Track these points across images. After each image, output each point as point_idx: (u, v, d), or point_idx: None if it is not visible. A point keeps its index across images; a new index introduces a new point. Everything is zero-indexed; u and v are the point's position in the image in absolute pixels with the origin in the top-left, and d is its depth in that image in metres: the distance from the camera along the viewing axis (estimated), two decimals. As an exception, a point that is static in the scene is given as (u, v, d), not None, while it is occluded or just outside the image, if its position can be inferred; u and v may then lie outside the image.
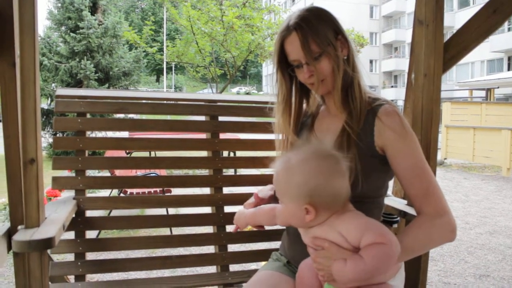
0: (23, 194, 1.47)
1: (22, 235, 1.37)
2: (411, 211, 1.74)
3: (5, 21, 1.41)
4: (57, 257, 3.12)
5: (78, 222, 1.87)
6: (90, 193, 2.02)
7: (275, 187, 1.28)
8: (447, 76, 36.27)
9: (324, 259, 1.20)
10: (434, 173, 1.71)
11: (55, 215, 1.59)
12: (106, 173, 5.85)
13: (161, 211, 4.41)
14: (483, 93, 17.19)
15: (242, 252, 2.10)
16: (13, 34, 1.42)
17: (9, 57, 1.43)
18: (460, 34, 1.80)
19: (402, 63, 40.92)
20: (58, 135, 10.00)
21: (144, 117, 2.97)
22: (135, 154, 5.96)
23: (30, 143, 1.46)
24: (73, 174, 1.91)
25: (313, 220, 1.20)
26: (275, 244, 1.90)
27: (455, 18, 32.97)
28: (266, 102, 1.82)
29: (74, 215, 1.83)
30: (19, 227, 1.46)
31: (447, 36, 1.70)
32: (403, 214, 1.80)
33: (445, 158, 11.09)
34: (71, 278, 1.94)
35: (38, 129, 1.48)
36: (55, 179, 1.88)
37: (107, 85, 11.57)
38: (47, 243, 1.34)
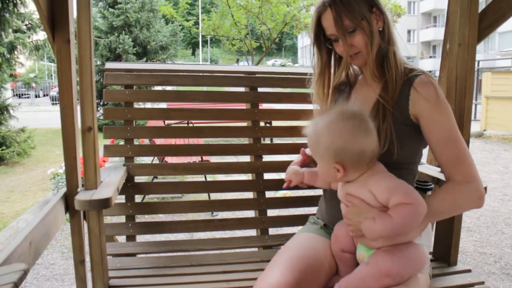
0: (84, 160, 1.61)
1: (83, 195, 1.51)
2: (444, 178, 1.80)
3: (62, 2, 1.52)
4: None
5: (128, 187, 2.01)
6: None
7: (309, 147, 1.38)
8: (489, 45, 34.87)
9: (353, 215, 1.30)
10: (467, 142, 1.76)
11: (109, 179, 1.73)
12: (146, 143, 6.05)
13: (200, 179, 4.58)
14: (527, 63, 16.55)
15: (280, 217, 2.21)
16: (68, 13, 1.54)
17: (64, 35, 1.55)
18: (496, 2, 1.78)
19: (441, 33, 38.46)
20: (97, 108, 10.31)
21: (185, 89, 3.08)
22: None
23: (87, 113, 1.59)
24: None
25: (344, 177, 1.30)
26: (311, 210, 1.99)
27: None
28: (303, 74, 1.89)
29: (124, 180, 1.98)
30: (79, 189, 1.61)
31: (486, 4, 1.70)
32: (436, 181, 1.85)
33: (484, 130, 10.82)
34: (120, 238, 2.10)
35: (93, 100, 1.61)
36: (106, 147, 2.01)
37: (145, 59, 11.77)
38: (105, 202, 1.48)
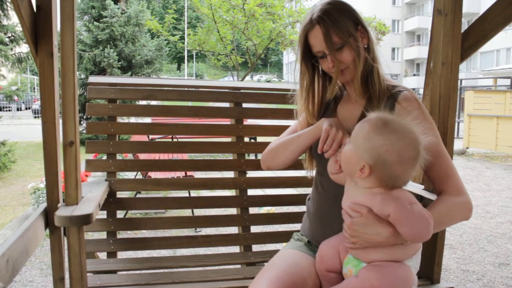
0: (65, 175, 1.58)
1: (64, 211, 1.48)
2: (428, 195, 1.80)
3: (45, 15, 1.51)
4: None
5: (110, 203, 1.98)
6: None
7: (357, 128, 1.30)
8: (471, 64, 35.58)
9: (359, 226, 1.25)
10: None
11: (91, 195, 1.70)
12: (129, 158, 5.99)
13: (184, 195, 4.55)
14: (508, 82, 16.88)
15: (264, 233, 2.20)
16: (51, 26, 1.52)
17: (47, 48, 1.52)
18: (479, 23, 1.83)
19: (425, 51, 39.84)
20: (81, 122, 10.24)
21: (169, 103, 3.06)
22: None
23: (69, 127, 1.57)
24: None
25: (361, 179, 1.27)
26: (295, 227, 1.98)
27: (481, 5, 32.13)
28: (288, 90, 1.90)
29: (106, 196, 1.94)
30: (59, 204, 1.58)
31: (468, 24, 1.73)
32: (420, 198, 1.85)
33: (467, 148, 10.98)
34: (101, 255, 2.06)
35: (76, 115, 1.58)
36: (88, 162, 1.99)
37: (129, 73, 11.72)
38: (86, 219, 1.45)
